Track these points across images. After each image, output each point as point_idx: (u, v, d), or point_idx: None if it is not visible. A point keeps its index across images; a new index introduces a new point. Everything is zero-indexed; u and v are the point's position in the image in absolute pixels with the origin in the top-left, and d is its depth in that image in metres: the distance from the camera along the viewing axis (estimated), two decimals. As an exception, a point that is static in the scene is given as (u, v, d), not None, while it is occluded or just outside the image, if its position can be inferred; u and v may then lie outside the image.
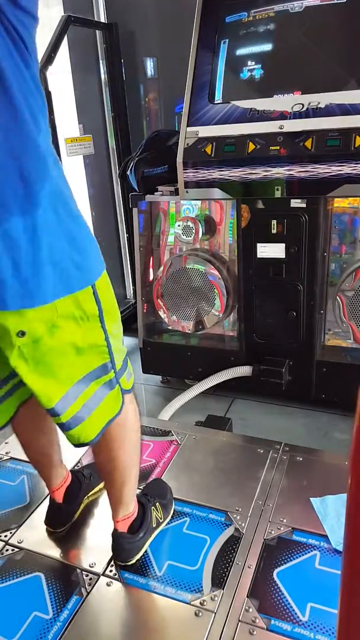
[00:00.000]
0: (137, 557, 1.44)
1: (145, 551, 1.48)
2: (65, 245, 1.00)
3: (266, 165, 1.98)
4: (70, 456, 1.89)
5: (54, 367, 1.07)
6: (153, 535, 1.51)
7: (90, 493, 1.67)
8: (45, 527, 1.58)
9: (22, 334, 0.99)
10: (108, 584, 1.39)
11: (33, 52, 0.91)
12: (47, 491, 1.65)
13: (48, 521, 1.58)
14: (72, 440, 1.18)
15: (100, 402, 1.17)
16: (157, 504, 1.55)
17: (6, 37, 0.85)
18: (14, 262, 0.94)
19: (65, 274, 1.00)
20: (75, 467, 1.84)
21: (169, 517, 1.58)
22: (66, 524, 1.57)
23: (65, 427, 1.14)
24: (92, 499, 1.67)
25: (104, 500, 1.64)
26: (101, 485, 1.68)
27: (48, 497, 1.61)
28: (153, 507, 1.52)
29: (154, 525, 1.51)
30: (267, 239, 2.12)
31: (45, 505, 1.63)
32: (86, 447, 1.89)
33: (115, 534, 1.42)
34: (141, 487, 1.64)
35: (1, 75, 0.85)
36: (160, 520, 1.54)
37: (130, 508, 1.43)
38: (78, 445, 1.19)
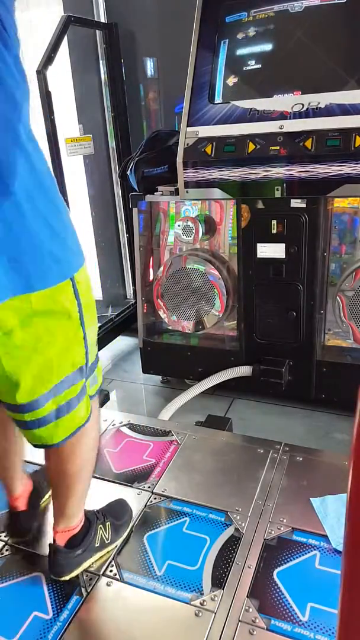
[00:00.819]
0: (72, 574, 1.36)
1: (145, 551, 1.48)
2: (42, 237, 0.95)
3: (266, 165, 1.98)
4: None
5: (27, 364, 1.02)
6: (97, 556, 1.43)
7: (44, 498, 1.64)
8: (45, 526, 1.58)
9: None
10: (108, 584, 1.39)
11: (13, 33, 0.88)
12: (47, 491, 1.65)
13: (12, 532, 1.52)
14: (33, 440, 1.13)
15: (75, 407, 1.13)
16: (108, 523, 1.47)
17: None
18: None
19: (43, 265, 0.96)
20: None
21: (119, 540, 1.50)
22: (31, 531, 1.53)
23: (29, 426, 1.09)
24: (46, 504, 1.64)
25: (103, 501, 1.64)
26: (49, 493, 1.63)
27: (46, 499, 1.61)
28: (101, 526, 1.44)
29: (97, 545, 1.42)
30: (267, 239, 2.12)
31: (48, 502, 1.63)
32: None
33: (52, 547, 1.36)
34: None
35: None
36: (107, 542, 1.46)
37: (73, 522, 1.36)
38: (38, 446, 1.15)
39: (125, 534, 1.53)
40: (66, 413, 1.12)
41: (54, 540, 1.37)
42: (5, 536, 1.57)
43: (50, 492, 1.59)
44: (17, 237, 0.92)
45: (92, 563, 1.43)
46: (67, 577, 1.36)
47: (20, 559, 1.49)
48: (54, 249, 0.97)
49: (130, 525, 1.56)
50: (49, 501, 1.62)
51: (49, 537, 1.54)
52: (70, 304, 1.03)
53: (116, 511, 1.56)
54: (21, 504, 1.52)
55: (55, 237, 0.98)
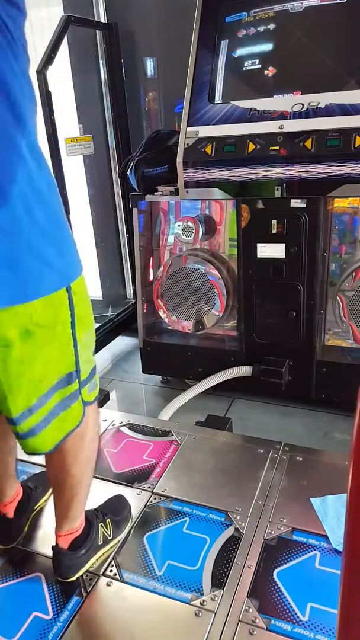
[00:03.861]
0: (78, 574, 1.39)
1: (145, 551, 1.48)
2: (38, 245, 0.96)
3: (266, 165, 1.98)
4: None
5: (22, 377, 1.03)
6: (100, 552, 1.45)
7: (37, 505, 1.63)
8: (45, 527, 1.58)
9: None
10: (108, 584, 1.39)
11: (22, 45, 0.90)
12: (39, 500, 1.65)
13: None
14: (27, 449, 1.14)
15: (61, 413, 1.13)
16: (108, 520, 1.49)
17: None
18: None
19: (39, 275, 0.97)
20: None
21: (122, 534, 1.52)
22: (17, 539, 1.51)
23: (21, 436, 1.11)
24: (37, 512, 1.63)
25: (103, 501, 1.64)
26: (46, 496, 1.66)
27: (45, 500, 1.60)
28: (102, 524, 1.46)
29: (100, 543, 1.44)
30: (267, 239, 2.12)
31: (47, 505, 1.63)
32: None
33: (55, 549, 1.37)
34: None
35: None
36: (109, 538, 1.48)
37: (76, 524, 1.37)
38: (31, 453, 1.15)
39: (127, 528, 1.54)
40: (52, 420, 1.12)
41: (57, 544, 1.37)
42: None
43: (45, 497, 1.64)
44: (13, 246, 0.92)
45: (96, 561, 1.43)
46: (73, 578, 1.38)
47: (20, 559, 1.49)
48: (49, 259, 0.98)
49: (130, 519, 1.57)
50: (44, 505, 1.64)
51: (48, 537, 1.54)
52: (64, 314, 1.04)
53: (115, 507, 1.57)
54: (9, 511, 1.50)
55: (53, 247, 0.99)
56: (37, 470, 1.82)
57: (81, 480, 1.31)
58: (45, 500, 1.66)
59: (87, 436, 1.26)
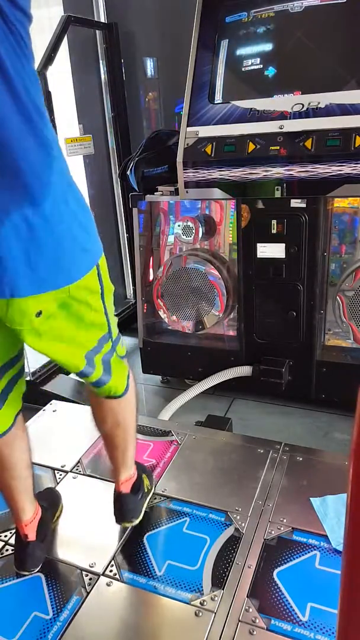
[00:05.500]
0: (140, 517, 1.52)
1: (145, 551, 1.48)
2: (75, 232, 1.05)
3: (266, 165, 1.98)
4: (70, 456, 1.89)
5: (67, 338, 1.14)
6: (147, 500, 1.60)
7: (53, 524, 1.56)
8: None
9: (39, 314, 1.05)
10: (108, 584, 1.39)
11: (30, 48, 0.95)
12: (60, 506, 1.63)
13: (22, 564, 1.40)
14: (104, 393, 1.30)
15: (113, 360, 1.28)
16: (143, 474, 1.63)
17: (10, 36, 0.89)
18: (28, 252, 0.98)
19: (78, 258, 1.06)
20: (75, 469, 1.84)
21: (153, 487, 1.69)
22: (40, 563, 1.42)
23: (96, 384, 1.26)
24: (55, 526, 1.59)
25: (103, 501, 1.64)
26: (57, 513, 1.60)
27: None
28: (142, 474, 1.61)
29: (146, 491, 1.60)
30: (267, 239, 2.12)
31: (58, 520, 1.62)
32: (85, 448, 1.90)
33: (120, 495, 1.49)
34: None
35: (7, 72, 0.89)
36: (149, 487, 1.63)
37: (132, 470, 1.52)
38: (109, 397, 1.32)
39: (154, 484, 1.71)
40: (111, 365, 1.27)
41: (120, 491, 1.50)
42: (5, 536, 1.57)
43: (57, 515, 1.61)
44: (57, 235, 1.00)
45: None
46: (136, 522, 1.51)
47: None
48: (84, 243, 1.08)
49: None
50: (57, 524, 1.60)
51: (49, 538, 1.54)
52: (96, 287, 1.15)
53: (139, 464, 1.67)
54: (30, 533, 1.41)
55: (84, 231, 1.08)
56: (37, 470, 1.82)
57: (133, 426, 1.45)
58: (58, 518, 1.60)
59: (133, 387, 1.41)
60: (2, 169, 0.92)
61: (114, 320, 1.28)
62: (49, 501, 1.59)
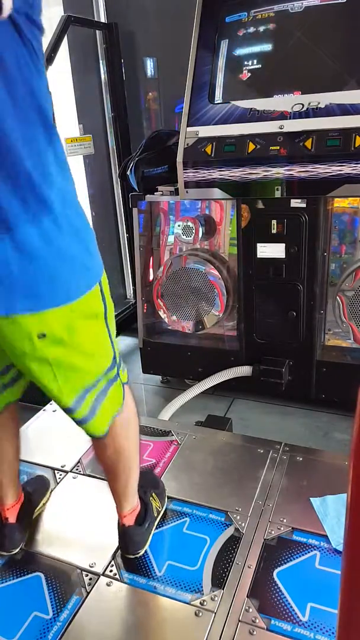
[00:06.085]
0: (146, 546, 1.47)
1: (145, 551, 1.48)
2: (77, 248, 1.03)
3: (266, 165, 1.98)
4: (70, 456, 1.89)
5: (72, 368, 1.11)
6: (155, 524, 1.54)
7: (36, 509, 1.63)
8: (45, 527, 1.58)
9: (42, 336, 1.02)
10: (108, 584, 1.39)
11: (43, 63, 0.97)
12: (49, 490, 1.66)
13: (1, 546, 1.49)
14: (87, 433, 1.24)
15: (107, 396, 1.21)
16: (154, 494, 1.57)
17: (24, 49, 0.90)
18: (30, 268, 0.96)
19: (78, 275, 1.04)
20: (75, 469, 1.84)
21: (165, 505, 1.62)
22: (20, 544, 1.51)
23: (80, 422, 1.20)
24: (36, 516, 1.63)
25: (103, 501, 1.64)
26: (44, 500, 1.67)
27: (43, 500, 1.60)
28: (151, 497, 1.54)
29: (155, 515, 1.54)
30: (267, 239, 2.12)
31: (45, 505, 1.63)
32: (85, 448, 1.90)
33: (124, 528, 1.44)
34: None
35: (26, 84, 0.90)
36: (160, 509, 1.57)
37: (135, 501, 1.46)
38: (93, 437, 1.25)
39: (166, 499, 1.64)
40: (100, 404, 1.20)
41: (124, 524, 1.44)
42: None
43: (44, 501, 1.66)
44: (58, 252, 0.99)
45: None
46: (142, 552, 1.46)
47: (20, 559, 1.49)
48: (85, 260, 1.06)
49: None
50: (43, 509, 1.65)
51: (48, 537, 1.55)
52: (99, 306, 1.12)
53: (151, 481, 1.64)
54: (12, 516, 1.50)
55: (85, 248, 1.06)
56: (38, 471, 1.82)
57: (134, 457, 1.39)
58: (44, 504, 1.67)
59: (130, 414, 1.34)
60: (2, 182, 0.92)
61: (117, 344, 1.24)
62: (36, 488, 1.67)
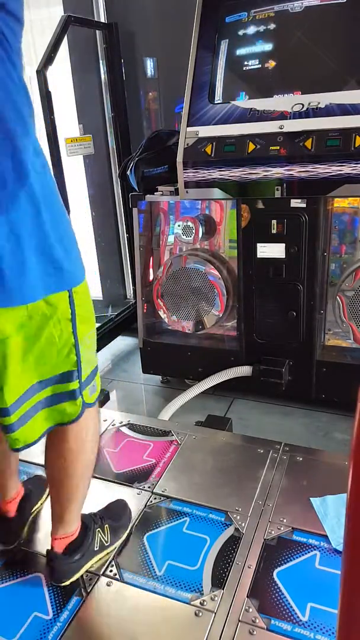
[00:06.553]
0: (72, 579, 1.37)
1: (145, 551, 1.48)
2: (45, 246, 0.99)
3: (266, 165, 1.98)
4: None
5: (18, 367, 1.05)
6: (96, 558, 1.43)
7: (34, 509, 1.62)
8: (45, 527, 1.58)
9: None
10: (108, 584, 1.39)
11: (19, 53, 0.94)
12: (47, 491, 1.65)
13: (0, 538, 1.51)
14: (12, 444, 1.15)
15: (50, 406, 1.15)
16: (107, 526, 1.47)
17: None
18: None
19: (43, 275, 1.00)
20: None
21: (119, 541, 1.50)
22: (19, 537, 1.52)
23: (8, 429, 1.12)
24: (37, 513, 1.63)
25: (102, 501, 1.64)
26: (42, 500, 1.66)
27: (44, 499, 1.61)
28: (99, 529, 1.44)
29: (96, 549, 1.43)
30: (267, 239, 2.12)
31: (45, 505, 1.63)
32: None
33: (50, 553, 1.36)
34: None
35: None
36: (106, 544, 1.46)
37: (71, 528, 1.37)
38: (16, 449, 1.15)
39: (125, 535, 1.52)
40: (40, 410, 1.14)
41: (52, 547, 1.36)
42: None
43: (42, 500, 1.64)
44: (22, 246, 0.95)
45: (90, 567, 1.42)
46: (67, 583, 1.37)
47: (20, 559, 1.49)
48: (56, 259, 1.01)
49: (130, 526, 1.56)
50: (41, 508, 1.65)
51: (48, 537, 1.54)
52: (65, 312, 1.06)
53: (115, 512, 1.56)
54: (11, 510, 1.51)
55: (58, 247, 1.01)
56: (38, 471, 1.82)
57: (79, 482, 1.31)
58: (42, 504, 1.66)
59: (88, 437, 1.27)
60: None
61: (90, 360, 1.17)
62: (38, 488, 1.66)
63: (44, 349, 1.07)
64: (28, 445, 1.17)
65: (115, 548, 1.49)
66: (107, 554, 1.47)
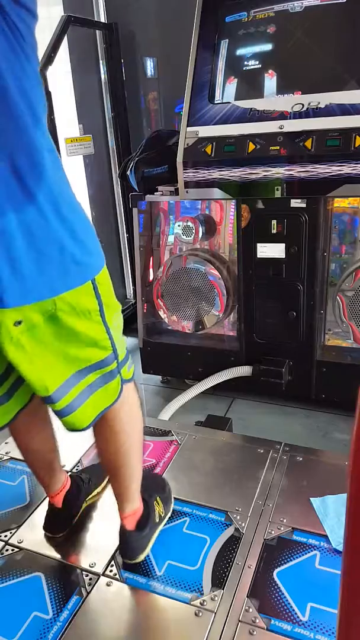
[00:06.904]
0: (144, 553, 1.44)
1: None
2: (65, 241, 0.99)
3: (266, 165, 1.98)
4: (70, 456, 1.89)
5: (51, 355, 1.06)
6: (157, 531, 1.50)
7: (89, 497, 1.65)
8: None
9: (18, 323, 0.99)
10: (108, 584, 1.39)
11: (33, 47, 0.93)
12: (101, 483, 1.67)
13: (47, 526, 1.56)
14: (67, 426, 1.18)
15: (97, 390, 1.18)
16: (158, 498, 1.54)
17: (8, 33, 0.87)
18: (11, 260, 0.93)
19: (65, 270, 1.00)
20: (75, 469, 1.84)
21: (170, 511, 1.58)
22: (65, 529, 1.56)
23: (60, 414, 1.15)
24: (90, 503, 1.65)
25: (103, 501, 1.64)
26: (99, 489, 1.68)
27: (47, 499, 1.61)
28: (155, 502, 1.51)
29: (157, 521, 1.50)
30: (267, 239, 2.12)
31: (45, 505, 1.63)
32: (85, 448, 1.90)
33: (123, 532, 1.41)
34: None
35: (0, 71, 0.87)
36: (162, 515, 1.53)
37: (137, 504, 1.42)
38: (73, 430, 1.19)
39: (172, 504, 1.60)
40: (89, 397, 1.16)
41: (124, 526, 1.41)
42: (5, 536, 1.57)
43: (94, 493, 1.67)
44: (41, 242, 0.96)
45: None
46: (141, 558, 1.42)
47: (20, 559, 1.49)
48: (75, 253, 1.01)
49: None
50: (97, 498, 1.67)
51: (49, 539, 1.54)
52: (92, 304, 1.07)
53: (156, 484, 1.61)
54: (57, 502, 1.53)
55: (77, 241, 1.02)
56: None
57: (137, 457, 1.36)
58: (99, 493, 1.68)
59: (133, 414, 1.31)
60: None
61: (122, 340, 1.21)
62: (96, 476, 1.68)
63: (79, 340, 1.09)
64: (81, 429, 1.19)
65: (168, 517, 1.56)
66: (164, 524, 1.54)
